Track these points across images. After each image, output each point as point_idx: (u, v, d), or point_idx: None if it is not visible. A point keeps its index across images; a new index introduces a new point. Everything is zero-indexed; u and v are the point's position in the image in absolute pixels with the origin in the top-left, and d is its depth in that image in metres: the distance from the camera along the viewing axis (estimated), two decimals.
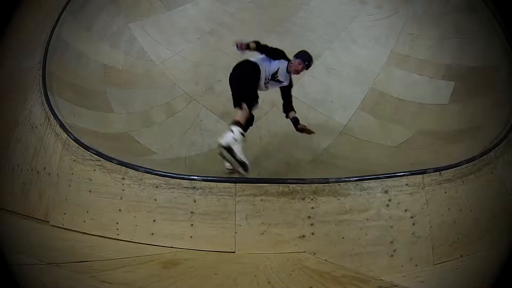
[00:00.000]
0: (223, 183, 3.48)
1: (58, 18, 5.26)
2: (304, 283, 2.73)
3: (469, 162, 3.77)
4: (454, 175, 3.64)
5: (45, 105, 4.36)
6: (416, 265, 3.36)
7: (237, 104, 4.12)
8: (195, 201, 3.47)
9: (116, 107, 5.59)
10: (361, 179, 3.50)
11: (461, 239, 3.50)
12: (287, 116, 4.62)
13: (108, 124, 5.30)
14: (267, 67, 4.30)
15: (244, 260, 3.21)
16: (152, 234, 3.49)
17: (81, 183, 3.79)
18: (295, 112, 4.60)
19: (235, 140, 3.83)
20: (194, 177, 3.56)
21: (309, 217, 3.37)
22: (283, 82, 4.43)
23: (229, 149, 3.79)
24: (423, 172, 3.57)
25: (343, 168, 4.98)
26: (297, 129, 4.54)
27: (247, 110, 4.04)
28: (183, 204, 3.49)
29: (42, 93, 4.46)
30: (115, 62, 6.01)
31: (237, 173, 3.91)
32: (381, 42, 6.44)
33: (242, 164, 3.80)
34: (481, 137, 4.55)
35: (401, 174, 3.55)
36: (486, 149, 3.95)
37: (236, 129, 3.86)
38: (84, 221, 3.68)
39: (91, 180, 3.76)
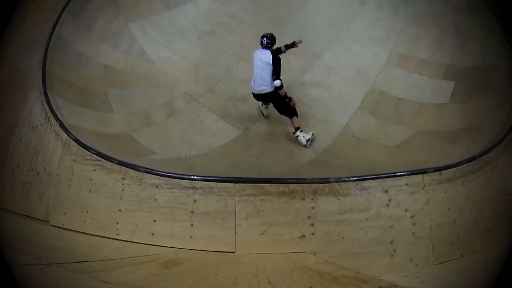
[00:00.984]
0: (223, 183, 3.48)
1: (58, 18, 5.26)
2: (304, 283, 2.74)
3: (469, 162, 3.77)
4: (454, 175, 3.64)
5: (45, 105, 4.36)
6: (416, 265, 3.35)
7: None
8: (195, 201, 3.47)
9: (116, 107, 5.59)
10: (361, 179, 3.50)
11: (461, 239, 3.50)
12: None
13: (108, 124, 5.30)
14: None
15: (244, 260, 3.21)
16: (152, 234, 3.49)
17: (81, 183, 3.79)
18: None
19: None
20: (194, 177, 3.56)
21: (309, 217, 3.37)
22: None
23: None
24: (423, 172, 3.57)
25: (343, 168, 4.98)
26: (287, 48, 5.39)
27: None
28: (183, 204, 3.49)
29: (42, 93, 4.46)
30: (115, 62, 6.01)
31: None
32: (381, 42, 6.43)
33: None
34: (481, 137, 4.55)
35: (401, 174, 3.55)
36: (486, 149, 3.95)
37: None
38: (84, 221, 3.68)
39: (91, 180, 3.76)
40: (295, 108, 5.21)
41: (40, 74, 4.63)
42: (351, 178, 3.51)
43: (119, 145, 4.93)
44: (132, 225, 3.54)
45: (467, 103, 5.35)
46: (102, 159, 3.78)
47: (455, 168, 3.68)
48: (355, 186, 3.46)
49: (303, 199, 3.40)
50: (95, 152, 3.84)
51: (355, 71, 6.33)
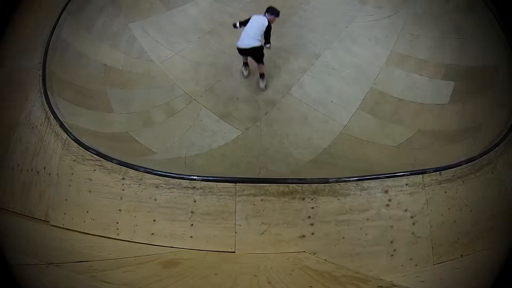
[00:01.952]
0: (223, 183, 3.48)
1: (58, 18, 5.26)
2: (304, 283, 2.74)
3: (469, 162, 3.77)
4: (454, 175, 3.64)
5: (45, 105, 4.36)
6: (416, 265, 3.35)
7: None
8: (195, 201, 3.47)
9: (116, 107, 5.59)
10: (361, 179, 3.51)
11: (461, 239, 3.50)
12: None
13: (108, 124, 5.30)
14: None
15: (244, 260, 3.21)
16: (152, 234, 3.49)
17: (81, 183, 3.79)
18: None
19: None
20: (194, 177, 3.57)
21: (309, 217, 3.37)
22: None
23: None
24: (423, 172, 3.57)
25: (343, 168, 4.98)
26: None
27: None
28: (183, 204, 3.49)
29: (42, 93, 4.46)
30: (115, 62, 6.01)
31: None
32: (381, 42, 6.44)
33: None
34: (481, 137, 4.55)
35: (401, 174, 3.55)
36: (486, 149, 3.95)
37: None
38: (84, 221, 3.68)
39: (91, 180, 3.76)
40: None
41: (40, 74, 4.63)
42: (351, 178, 3.51)
43: (119, 145, 4.93)
44: (132, 225, 3.54)
45: (467, 103, 5.35)
46: (102, 159, 3.78)
47: (455, 168, 3.68)
48: (355, 186, 3.46)
49: (303, 199, 3.40)
50: (95, 152, 3.84)
51: (355, 71, 6.33)
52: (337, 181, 3.46)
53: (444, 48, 6.00)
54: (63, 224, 3.76)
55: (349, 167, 4.95)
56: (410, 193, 3.48)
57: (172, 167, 4.26)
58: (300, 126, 5.65)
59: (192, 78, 6.32)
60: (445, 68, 5.86)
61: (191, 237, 3.42)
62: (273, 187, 3.43)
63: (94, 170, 3.77)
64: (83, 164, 3.83)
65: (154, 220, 3.51)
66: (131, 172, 3.66)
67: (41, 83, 4.54)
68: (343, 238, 3.35)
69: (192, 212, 3.45)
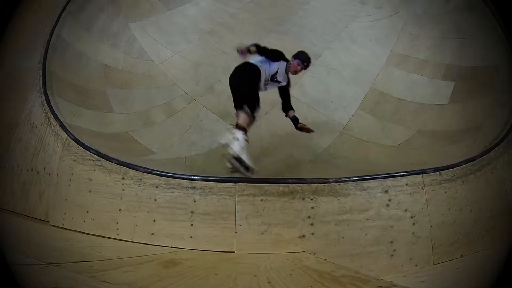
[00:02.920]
0: (223, 183, 3.48)
1: (58, 18, 5.26)
2: (304, 283, 2.73)
3: (469, 162, 3.77)
4: (454, 175, 3.64)
5: (45, 105, 4.36)
6: (416, 265, 3.35)
7: (238, 106, 4.00)
8: (195, 201, 3.47)
9: (116, 107, 5.59)
10: (361, 179, 3.51)
11: (461, 239, 3.50)
12: (286, 115, 4.59)
13: (108, 124, 5.30)
14: (267, 68, 4.28)
15: (244, 260, 3.21)
16: (152, 234, 3.49)
17: (81, 183, 3.79)
18: (294, 111, 4.56)
19: (242, 147, 3.68)
20: (194, 177, 3.57)
21: (309, 217, 3.37)
22: (281, 82, 4.44)
23: (238, 158, 3.64)
24: (423, 172, 3.57)
25: (343, 168, 4.98)
26: (297, 128, 4.52)
27: (249, 113, 3.90)
28: (183, 204, 3.48)
29: (42, 93, 4.46)
30: (115, 62, 6.01)
31: (238, 173, 3.88)
32: (381, 42, 6.43)
33: (249, 169, 3.67)
34: (481, 137, 4.55)
35: (401, 174, 3.55)
36: (486, 149, 3.95)
37: (242, 136, 3.73)
38: (84, 221, 3.68)
39: (91, 180, 3.76)
40: None
41: (40, 74, 4.63)
42: (351, 178, 3.51)
43: (119, 145, 4.93)
44: (132, 225, 3.54)
45: (467, 103, 5.35)
46: (102, 159, 3.78)
47: (455, 168, 3.68)
48: (355, 186, 3.46)
49: (303, 199, 3.40)
50: (95, 152, 3.84)
51: (355, 71, 6.33)
52: (337, 181, 3.46)
53: (444, 48, 5.99)
54: (63, 224, 3.77)
55: (349, 167, 4.95)
56: (410, 193, 3.48)
57: (172, 167, 4.26)
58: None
59: (192, 78, 6.32)
60: (445, 68, 5.86)
61: (191, 237, 3.42)
62: (273, 187, 3.43)
63: (94, 170, 3.77)
64: (83, 164, 3.83)
65: (154, 220, 3.51)
66: (131, 172, 3.66)
67: (41, 83, 4.54)
68: (343, 238, 3.35)
69: (192, 212, 3.45)
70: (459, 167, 3.70)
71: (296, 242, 3.34)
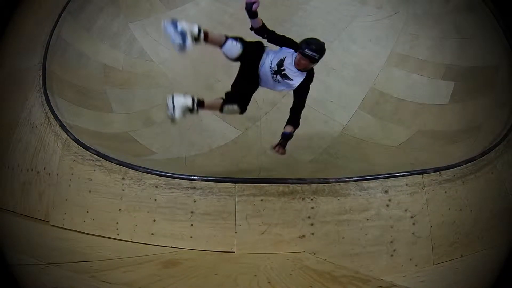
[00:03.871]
0: (223, 183, 3.48)
1: (58, 18, 5.26)
2: (304, 283, 2.73)
3: (469, 162, 3.77)
4: (454, 175, 3.64)
5: (45, 105, 4.36)
6: (416, 265, 3.35)
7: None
8: (195, 201, 3.47)
9: (116, 107, 5.59)
10: (361, 179, 3.51)
11: (461, 239, 3.50)
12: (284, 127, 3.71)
13: (108, 124, 5.30)
14: (273, 53, 3.65)
15: (244, 260, 3.21)
16: (152, 234, 3.49)
17: (81, 183, 3.79)
18: (297, 127, 3.69)
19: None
20: (194, 177, 3.57)
21: (309, 217, 3.37)
22: (292, 81, 3.58)
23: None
24: (423, 172, 3.57)
25: (343, 168, 4.98)
26: (274, 145, 3.58)
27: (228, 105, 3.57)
28: (183, 204, 3.49)
29: (42, 93, 4.46)
30: (115, 62, 6.01)
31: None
32: (381, 42, 6.43)
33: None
34: (481, 137, 4.55)
35: (401, 174, 3.55)
36: (486, 149, 3.95)
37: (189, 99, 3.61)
38: (84, 221, 3.68)
39: (91, 180, 3.76)
40: None
41: (40, 74, 4.63)
42: (351, 178, 3.51)
43: (119, 145, 4.92)
44: (132, 225, 3.54)
45: (467, 103, 5.35)
46: (102, 159, 3.78)
47: (455, 168, 3.68)
48: (355, 186, 3.46)
49: (303, 199, 3.40)
50: (95, 152, 3.84)
51: (355, 71, 6.33)
52: (337, 181, 3.46)
53: (444, 48, 5.99)
54: (63, 224, 3.77)
55: (349, 167, 4.95)
56: (410, 193, 3.48)
57: (172, 167, 4.26)
58: (300, 126, 5.63)
59: (192, 78, 6.32)
60: (445, 68, 5.85)
61: (191, 237, 3.42)
62: (273, 187, 3.43)
63: (94, 170, 3.77)
64: (83, 164, 3.83)
65: (154, 220, 3.51)
66: (131, 172, 3.66)
67: (41, 83, 4.54)
68: (343, 238, 3.35)
69: (192, 212, 3.46)
70: (459, 167, 3.70)
71: (296, 242, 3.34)
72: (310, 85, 3.68)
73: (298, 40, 3.72)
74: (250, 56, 3.65)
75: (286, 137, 3.56)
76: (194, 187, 3.50)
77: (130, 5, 6.46)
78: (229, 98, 3.62)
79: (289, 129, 3.61)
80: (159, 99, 6.01)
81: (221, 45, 3.61)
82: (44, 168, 4.06)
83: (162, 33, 3.58)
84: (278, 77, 3.59)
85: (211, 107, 3.73)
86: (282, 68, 3.57)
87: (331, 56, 6.47)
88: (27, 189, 4.10)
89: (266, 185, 3.43)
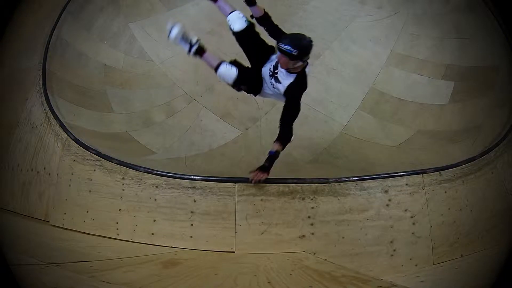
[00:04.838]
0: (223, 183, 3.48)
1: (58, 18, 5.26)
2: (304, 283, 2.73)
3: (469, 162, 3.77)
4: (454, 175, 3.64)
5: (45, 105, 4.36)
6: (416, 265, 3.35)
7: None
8: (195, 201, 3.48)
9: (116, 107, 5.59)
10: (361, 179, 3.51)
11: (461, 239, 3.50)
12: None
13: (108, 124, 5.30)
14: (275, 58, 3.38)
15: (244, 260, 3.21)
16: (152, 234, 3.49)
17: (81, 183, 3.79)
18: (282, 147, 3.29)
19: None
20: (194, 177, 3.57)
21: (309, 217, 3.37)
22: (281, 84, 3.29)
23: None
24: (423, 172, 3.57)
25: (343, 168, 4.98)
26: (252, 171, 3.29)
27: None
28: (183, 204, 3.49)
29: (42, 93, 4.46)
30: (115, 62, 6.01)
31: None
32: (381, 42, 6.43)
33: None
34: (481, 137, 4.55)
35: (401, 174, 3.55)
36: (486, 149, 3.95)
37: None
38: (84, 221, 3.68)
39: (91, 180, 3.76)
40: None
41: (40, 74, 4.63)
42: (351, 178, 3.51)
43: (119, 145, 4.92)
44: (132, 225, 3.54)
45: (467, 103, 5.35)
46: (102, 159, 3.78)
47: (455, 168, 3.68)
48: (355, 186, 3.46)
49: (303, 199, 3.40)
50: (95, 152, 3.84)
51: (355, 71, 6.33)
52: (337, 181, 3.46)
53: (444, 48, 5.99)
54: (63, 224, 3.77)
55: (349, 167, 4.95)
56: (410, 193, 3.48)
57: (172, 167, 4.26)
58: (300, 126, 5.63)
59: (192, 78, 6.31)
60: (445, 68, 5.85)
61: (191, 237, 3.42)
62: (273, 187, 3.43)
63: (94, 170, 3.77)
64: (83, 164, 3.83)
65: (154, 220, 3.51)
66: (131, 172, 3.66)
67: (41, 83, 4.54)
68: (343, 238, 3.35)
69: (192, 212, 3.46)
70: (459, 167, 3.70)
71: (296, 242, 3.34)
72: (302, 94, 3.34)
73: None
74: (250, 82, 3.58)
75: (271, 158, 3.24)
76: (194, 187, 3.50)
77: (130, 5, 6.46)
78: (233, 63, 3.53)
79: (276, 146, 3.25)
80: (159, 99, 6.01)
81: (214, 69, 3.54)
82: (44, 168, 4.06)
83: (172, 39, 3.74)
84: (273, 80, 3.37)
85: (209, 61, 3.63)
86: (276, 71, 3.34)
87: (331, 56, 6.49)
88: (27, 189, 4.10)
89: (266, 185, 3.43)
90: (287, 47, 3.07)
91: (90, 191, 3.73)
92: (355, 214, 3.39)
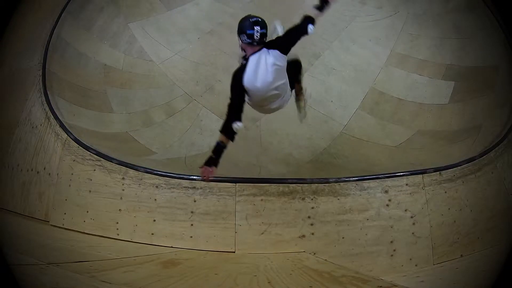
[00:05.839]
0: (223, 183, 3.48)
1: (58, 18, 5.26)
2: (304, 283, 2.73)
3: (469, 162, 3.77)
4: (454, 175, 3.64)
5: (45, 105, 4.36)
6: (416, 265, 3.35)
7: None
8: (195, 201, 3.47)
9: (116, 107, 5.59)
10: (361, 179, 3.51)
11: (461, 239, 3.50)
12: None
13: (108, 124, 5.30)
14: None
15: (244, 260, 3.21)
16: (152, 234, 3.49)
17: (81, 183, 3.79)
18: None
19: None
20: (194, 177, 3.57)
21: (309, 217, 3.37)
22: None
23: None
24: (423, 172, 3.57)
25: (343, 168, 4.98)
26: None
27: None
28: (183, 204, 3.49)
29: (42, 93, 4.46)
30: (115, 62, 6.01)
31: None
32: (381, 42, 6.43)
33: None
34: (481, 137, 4.55)
35: (401, 174, 3.55)
36: (486, 149, 3.95)
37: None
38: (84, 221, 3.68)
39: (91, 180, 3.76)
40: None
41: (40, 74, 4.63)
42: (351, 178, 3.52)
43: (119, 145, 4.93)
44: (132, 225, 3.54)
45: (467, 103, 5.35)
46: (102, 159, 3.78)
47: (455, 168, 3.68)
48: (355, 186, 3.46)
49: (303, 199, 3.40)
50: (95, 152, 3.84)
51: (355, 71, 6.33)
52: (337, 181, 3.47)
53: (444, 48, 5.99)
54: (63, 224, 3.77)
55: (349, 167, 4.95)
56: (410, 193, 3.48)
57: (172, 167, 4.26)
58: (300, 126, 5.65)
59: (192, 78, 6.32)
60: (445, 68, 5.86)
61: (191, 237, 3.42)
62: (273, 187, 3.43)
63: (94, 170, 3.77)
64: (83, 164, 3.83)
65: (154, 220, 3.51)
66: (131, 172, 3.66)
67: (41, 83, 4.54)
68: (343, 238, 3.35)
69: (192, 212, 3.45)
70: (459, 167, 3.70)
71: (296, 242, 3.34)
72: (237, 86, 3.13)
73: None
74: None
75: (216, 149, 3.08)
76: (194, 187, 3.50)
77: (130, 5, 6.46)
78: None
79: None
80: (159, 99, 6.02)
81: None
82: (44, 168, 4.06)
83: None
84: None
85: None
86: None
87: (331, 56, 6.49)
88: (27, 189, 4.10)
89: (266, 185, 3.43)
90: (245, 32, 3.12)
91: (90, 191, 3.73)
92: (355, 214, 3.39)
